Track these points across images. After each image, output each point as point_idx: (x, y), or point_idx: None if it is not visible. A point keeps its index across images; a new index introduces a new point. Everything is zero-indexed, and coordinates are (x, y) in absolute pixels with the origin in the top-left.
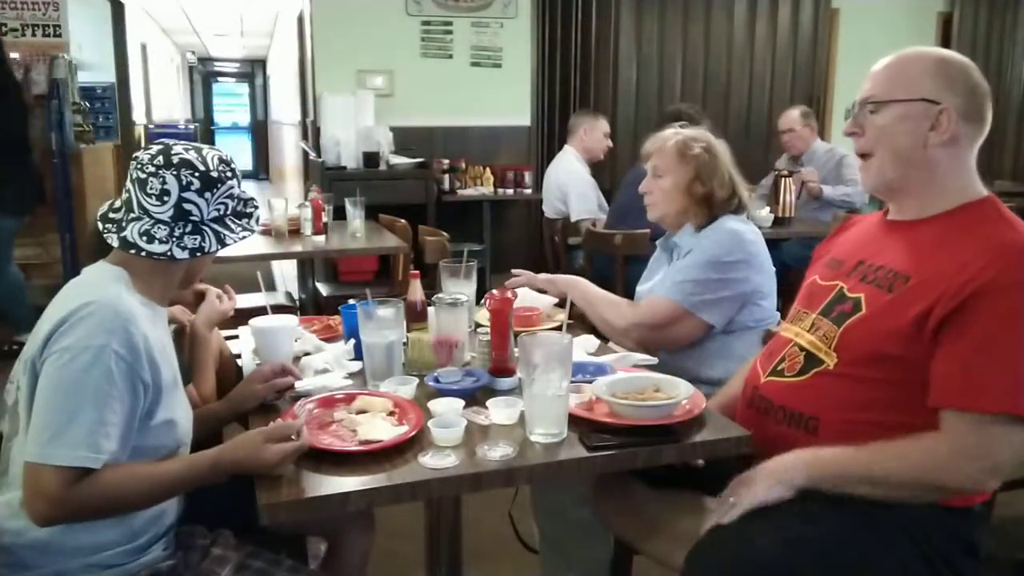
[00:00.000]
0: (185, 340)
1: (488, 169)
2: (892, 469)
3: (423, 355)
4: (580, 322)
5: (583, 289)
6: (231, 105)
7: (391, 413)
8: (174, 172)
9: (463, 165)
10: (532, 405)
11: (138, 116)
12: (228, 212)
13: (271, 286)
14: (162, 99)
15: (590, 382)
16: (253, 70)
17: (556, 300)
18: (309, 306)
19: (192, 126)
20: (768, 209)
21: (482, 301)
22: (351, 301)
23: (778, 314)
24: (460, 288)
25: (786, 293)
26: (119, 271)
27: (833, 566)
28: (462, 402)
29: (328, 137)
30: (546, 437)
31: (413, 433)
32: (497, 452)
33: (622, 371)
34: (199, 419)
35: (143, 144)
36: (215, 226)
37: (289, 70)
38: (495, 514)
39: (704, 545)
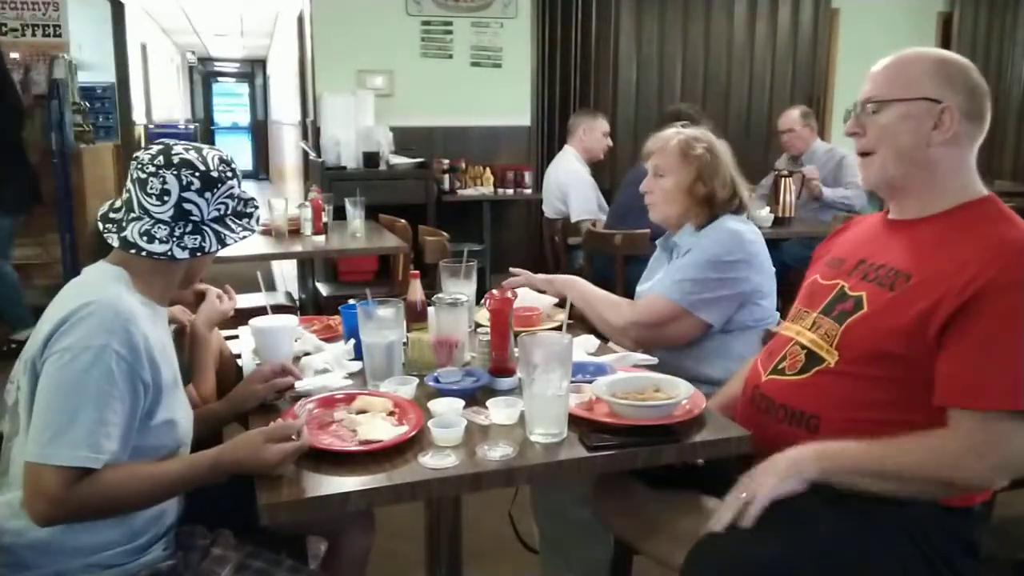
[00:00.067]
0: (185, 340)
1: (488, 169)
2: (904, 464)
3: (423, 355)
4: (580, 322)
5: (581, 289)
6: (231, 105)
7: (391, 413)
8: (174, 172)
9: (463, 165)
10: (532, 405)
11: (138, 116)
12: (228, 212)
13: (271, 286)
14: (162, 99)
15: (590, 382)
16: (253, 70)
17: (556, 300)
18: (309, 306)
19: (192, 126)
20: (768, 209)
21: (482, 301)
22: (351, 301)
23: (777, 314)
24: (460, 288)
25: (786, 293)
26: (119, 271)
27: (833, 566)
28: (462, 402)
29: (328, 137)
30: (546, 437)
31: (413, 433)
32: (497, 452)
33: (622, 371)
34: (199, 419)
35: (143, 144)
36: (215, 226)
37: (289, 70)
38: (495, 514)
39: (704, 545)
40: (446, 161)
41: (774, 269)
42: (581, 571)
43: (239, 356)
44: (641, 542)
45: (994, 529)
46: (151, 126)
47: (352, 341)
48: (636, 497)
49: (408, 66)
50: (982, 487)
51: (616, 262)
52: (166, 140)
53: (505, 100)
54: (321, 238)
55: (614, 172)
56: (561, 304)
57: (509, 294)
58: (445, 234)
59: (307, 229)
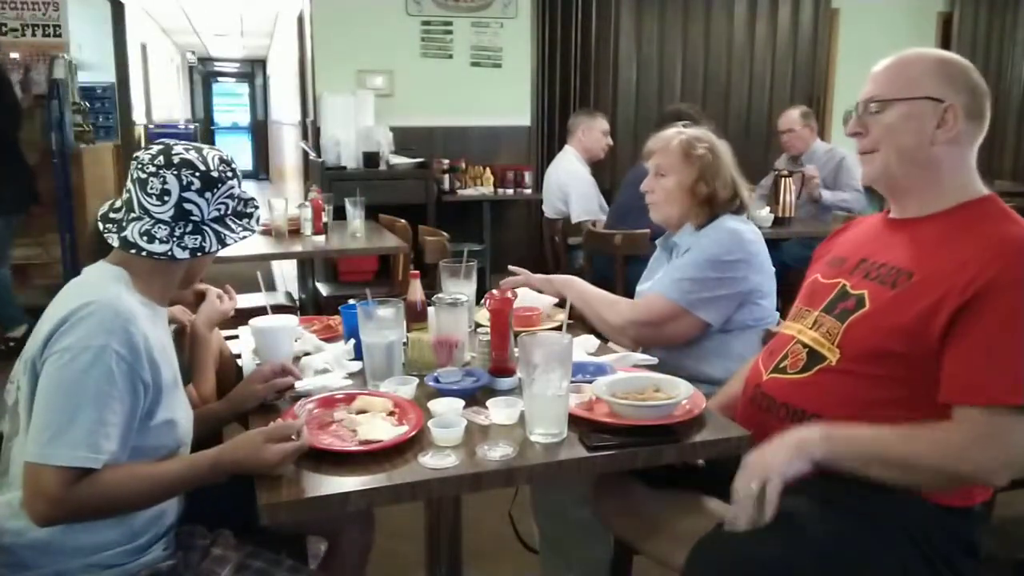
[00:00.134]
0: (185, 340)
1: (488, 169)
2: (909, 452)
3: (423, 355)
4: (580, 322)
5: (579, 288)
6: (231, 105)
7: (391, 413)
8: (175, 172)
9: (463, 165)
10: (532, 405)
11: (138, 116)
12: (228, 212)
13: (271, 286)
14: (162, 99)
15: (590, 382)
16: (253, 70)
17: (556, 300)
18: (309, 306)
19: (192, 126)
20: (768, 209)
21: (482, 301)
22: (351, 301)
23: (777, 314)
24: (460, 288)
25: (786, 293)
26: (119, 271)
27: (833, 566)
28: (462, 402)
29: (328, 137)
30: (546, 437)
31: (413, 433)
32: (497, 452)
33: (622, 371)
34: (199, 419)
35: (143, 144)
36: (215, 226)
37: (289, 70)
38: (495, 514)
39: (705, 545)
40: (446, 161)
41: (774, 269)
42: (581, 571)
43: (239, 356)
44: (641, 542)
45: (994, 529)
46: (151, 126)
47: (352, 341)
48: (636, 497)
49: (408, 66)
50: (986, 481)
51: (616, 262)
52: (166, 140)
53: (505, 100)
54: (321, 238)
55: (614, 172)
56: (561, 304)
57: (509, 294)
58: (445, 234)
59: (307, 229)
